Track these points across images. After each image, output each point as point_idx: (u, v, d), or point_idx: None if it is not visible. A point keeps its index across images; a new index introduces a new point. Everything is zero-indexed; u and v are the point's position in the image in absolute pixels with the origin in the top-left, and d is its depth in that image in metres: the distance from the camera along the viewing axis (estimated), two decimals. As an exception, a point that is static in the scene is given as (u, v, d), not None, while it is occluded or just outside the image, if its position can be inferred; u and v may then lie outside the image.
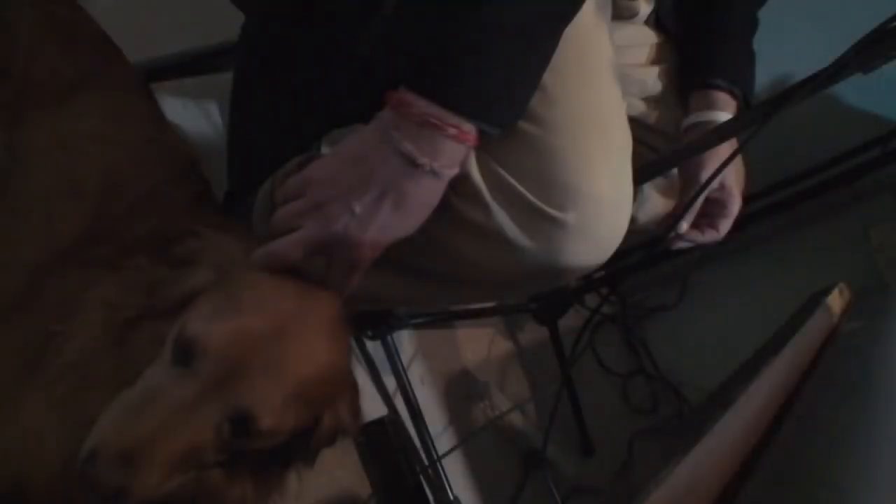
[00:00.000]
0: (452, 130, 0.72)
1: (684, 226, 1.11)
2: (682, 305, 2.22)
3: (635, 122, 1.19)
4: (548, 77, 0.79)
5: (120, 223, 0.83)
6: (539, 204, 0.79)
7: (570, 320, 1.84)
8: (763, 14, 1.36)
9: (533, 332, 1.92)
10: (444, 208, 0.82)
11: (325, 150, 0.94)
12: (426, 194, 0.76)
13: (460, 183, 0.81)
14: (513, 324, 1.91)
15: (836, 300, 1.09)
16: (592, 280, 1.82)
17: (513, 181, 0.80)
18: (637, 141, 1.19)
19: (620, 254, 1.75)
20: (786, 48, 1.76)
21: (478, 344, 1.78)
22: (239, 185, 1.01)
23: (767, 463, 0.64)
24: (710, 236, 1.15)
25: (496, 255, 0.83)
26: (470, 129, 0.74)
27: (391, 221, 0.75)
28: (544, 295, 1.68)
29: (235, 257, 0.74)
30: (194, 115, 1.45)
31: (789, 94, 0.97)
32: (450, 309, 1.64)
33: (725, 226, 1.15)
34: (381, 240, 0.76)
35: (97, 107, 0.90)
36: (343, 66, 0.85)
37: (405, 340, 1.58)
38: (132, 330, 0.71)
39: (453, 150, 0.74)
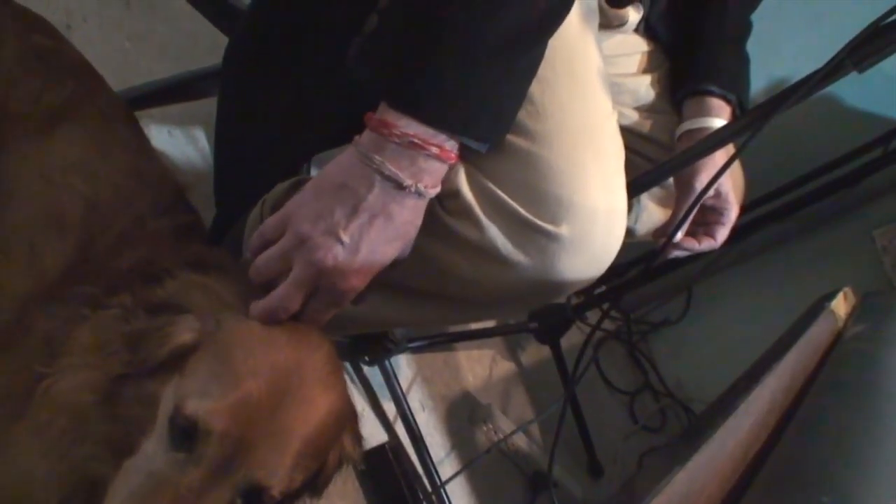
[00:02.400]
0: (434, 149, 0.72)
1: (679, 235, 1.12)
2: (687, 319, 2.23)
3: (629, 132, 1.20)
4: (535, 89, 0.80)
5: (106, 256, 0.82)
6: (532, 218, 0.80)
7: (574, 338, 1.85)
8: (758, 17, 1.37)
9: (535, 352, 1.92)
10: (435, 227, 0.82)
11: (314, 172, 0.94)
12: (412, 215, 0.76)
13: (451, 200, 0.82)
14: (514, 344, 1.91)
15: (840, 304, 1.09)
16: (593, 296, 1.83)
17: (504, 196, 0.80)
18: (631, 151, 1.20)
19: (620, 268, 1.77)
20: (782, 51, 1.77)
21: (479, 366, 1.78)
22: (227, 211, 1.01)
23: (769, 469, 0.64)
24: (706, 245, 1.15)
25: (491, 272, 0.83)
26: (452, 146, 0.74)
27: (379, 246, 0.75)
28: (545, 313, 1.68)
29: (220, 303, 0.74)
30: (181, 141, 1.46)
31: (784, 98, 0.98)
32: (448, 331, 1.64)
33: (722, 234, 1.15)
34: (369, 268, 0.76)
35: (80, 137, 0.90)
36: (327, 86, 0.86)
37: (404, 365, 1.58)
38: (121, 385, 0.70)
39: (436, 169, 0.75)
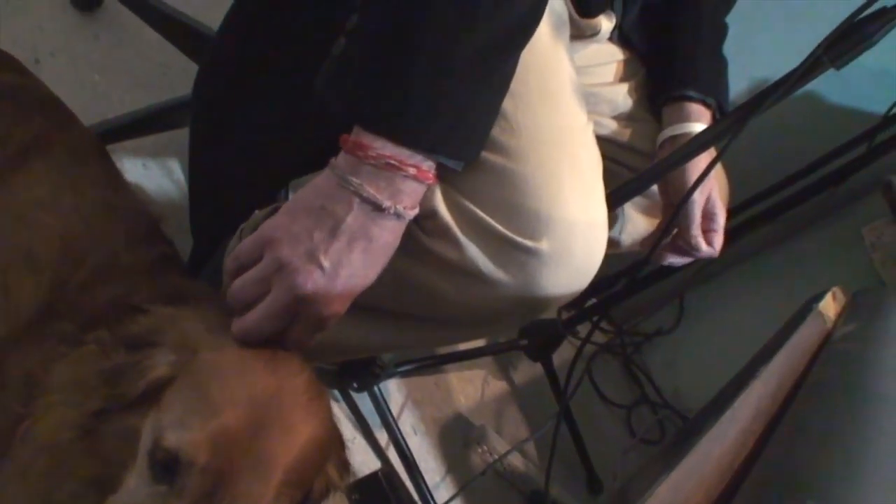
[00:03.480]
0: (412, 170, 0.73)
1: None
2: (681, 327, 2.23)
3: (608, 142, 1.21)
4: (508, 104, 0.80)
5: (81, 293, 0.83)
6: (510, 235, 0.80)
7: (566, 353, 1.85)
8: (735, 18, 1.39)
9: (527, 370, 1.92)
10: (414, 248, 0.83)
11: (298, 191, 0.94)
12: (391, 237, 0.76)
13: (428, 220, 0.82)
14: (506, 362, 1.91)
15: (829, 305, 1.09)
16: (583, 309, 1.83)
17: (482, 214, 0.81)
18: (612, 160, 1.21)
19: (610, 280, 1.77)
20: (760, 51, 1.79)
21: (470, 386, 1.78)
22: (204, 242, 1.02)
23: (756, 475, 0.64)
24: (707, 252, 1.16)
25: (473, 292, 0.84)
26: (430, 166, 0.74)
27: (360, 270, 0.75)
28: (535, 330, 1.69)
29: (194, 335, 0.73)
30: (155, 173, 1.47)
31: (762, 98, 0.99)
32: (437, 353, 1.64)
33: (718, 240, 1.16)
34: (350, 292, 0.76)
35: (51, 173, 0.90)
36: (300, 111, 0.86)
37: (393, 390, 1.58)
38: (100, 422, 0.70)
39: (414, 190, 0.75)
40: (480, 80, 0.74)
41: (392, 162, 0.72)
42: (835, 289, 1.17)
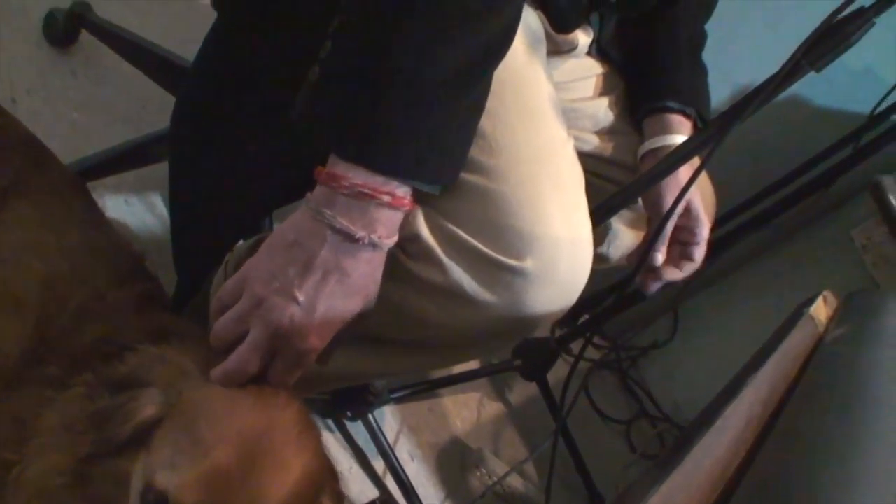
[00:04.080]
0: (386, 197, 0.73)
1: (659, 257, 1.13)
2: (677, 340, 2.24)
3: (591, 157, 1.22)
4: (486, 123, 0.81)
5: (66, 334, 0.83)
6: (495, 255, 0.80)
7: (561, 372, 1.84)
8: (716, 24, 1.40)
9: (523, 390, 1.92)
10: (399, 273, 0.83)
11: (277, 227, 0.95)
12: (368, 268, 0.76)
13: (412, 244, 0.83)
14: (501, 384, 1.91)
15: (821, 309, 1.10)
16: (576, 326, 1.84)
17: (465, 235, 0.81)
18: (596, 175, 1.22)
19: (602, 295, 1.78)
20: (742, 57, 1.81)
21: (466, 410, 1.78)
22: (189, 276, 1.02)
23: (748, 484, 0.64)
24: (689, 269, 1.16)
25: (460, 314, 0.84)
26: (405, 192, 0.75)
27: (337, 303, 0.75)
28: (528, 350, 1.69)
29: (182, 374, 0.74)
30: (138, 209, 1.47)
31: (743, 106, 0.99)
32: (431, 377, 1.64)
33: (700, 253, 1.16)
34: (328, 325, 0.76)
35: (32, 214, 0.91)
36: (279, 139, 0.87)
37: (388, 416, 1.58)
38: (90, 466, 0.70)
39: (389, 218, 0.75)
40: (453, 103, 0.75)
41: (365, 190, 0.72)
42: (826, 292, 1.17)
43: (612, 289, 1.70)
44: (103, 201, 1.40)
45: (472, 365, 1.73)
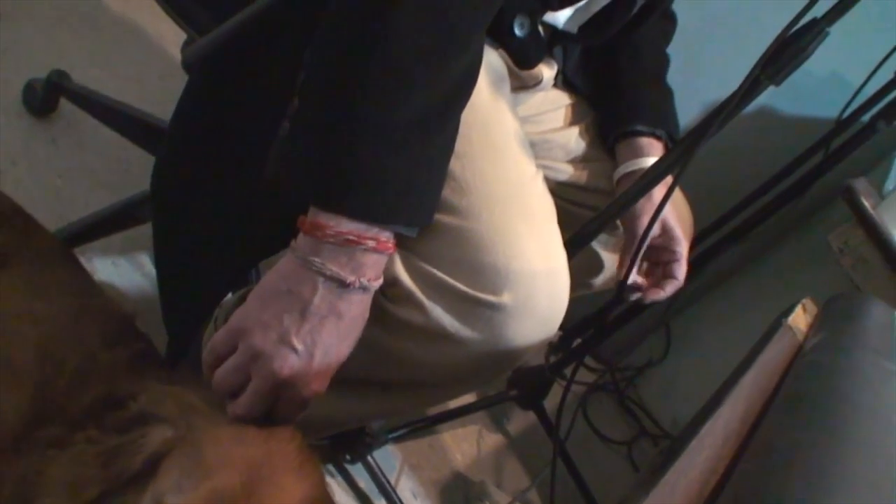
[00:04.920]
0: (371, 242, 0.75)
1: (635, 277, 1.15)
2: (671, 357, 2.25)
3: (568, 186, 1.24)
4: (455, 165, 0.83)
5: (64, 397, 0.85)
6: (472, 292, 0.82)
7: (559, 398, 1.86)
8: (682, 45, 1.43)
9: (521, 419, 1.93)
10: (381, 317, 0.85)
11: (264, 277, 0.97)
12: (360, 309, 0.78)
13: (392, 288, 0.85)
14: (498, 414, 1.92)
15: (800, 317, 1.10)
16: (569, 352, 1.85)
17: (442, 275, 0.83)
18: (573, 203, 1.24)
19: (592, 319, 1.79)
20: (710, 75, 1.84)
21: (465, 443, 1.78)
22: (179, 333, 1.03)
23: (726, 497, 0.65)
24: (671, 287, 1.18)
25: (443, 352, 0.86)
26: (388, 236, 0.77)
27: (334, 347, 0.78)
28: (523, 379, 1.70)
29: (189, 407, 0.76)
30: (126, 270, 1.49)
31: (708, 124, 1.00)
32: (428, 414, 1.65)
33: (680, 270, 1.18)
34: (326, 369, 0.79)
35: (21, 283, 0.93)
36: (257, 195, 0.88)
37: (388, 456, 1.58)
38: None
39: (376, 261, 0.77)
40: (424, 146, 0.77)
41: (351, 238, 0.74)
42: (805, 300, 1.18)
43: (601, 313, 1.71)
44: (92, 265, 1.42)
45: (469, 398, 1.74)
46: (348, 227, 0.74)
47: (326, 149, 0.74)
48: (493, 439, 1.86)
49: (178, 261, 0.99)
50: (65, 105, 1.66)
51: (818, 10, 0.93)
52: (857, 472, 0.65)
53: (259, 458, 0.70)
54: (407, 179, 0.76)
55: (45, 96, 1.62)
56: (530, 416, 1.81)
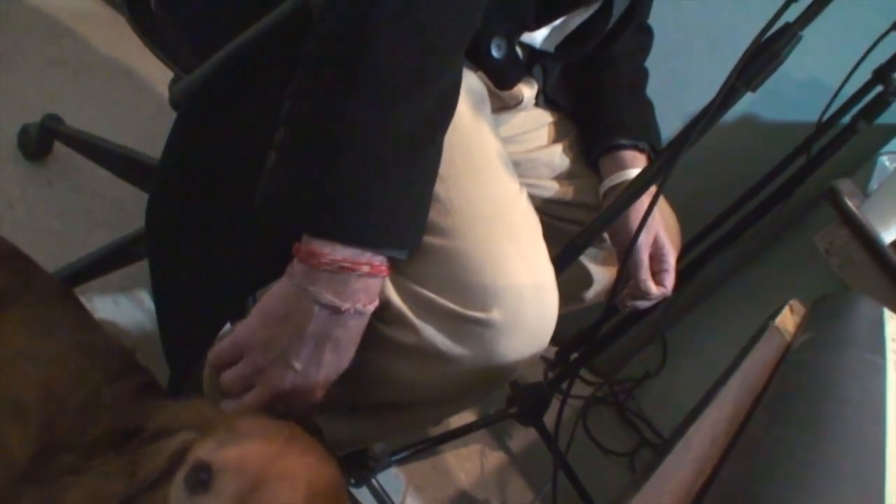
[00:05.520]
0: (365, 268, 0.77)
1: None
2: (668, 366, 2.25)
3: (554, 202, 1.26)
4: (439, 186, 0.85)
5: (70, 433, 0.86)
6: (462, 310, 0.84)
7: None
8: (662, 57, 1.45)
9: (523, 435, 1.93)
10: (375, 339, 0.86)
11: (266, 294, 0.99)
12: (356, 331, 0.81)
13: (384, 310, 0.86)
14: (500, 432, 1.93)
15: (787, 319, 1.10)
16: (567, 366, 1.86)
17: (431, 295, 0.84)
18: (562, 220, 1.26)
19: (586, 334, 1.80)
20: (692, 85, 1.87)
21: (468, 462, 1.79)
22: (180, 366, 1.05)
23: (713, 496, 0.65)
24: (659, 293, 1.20)
25: (437, 371, 0.87)
26: (381, 260, 0.79)
27: (331, 364, 0.81)
28: (522, 395, 1.71)
29: (209, 415, 0.79)
30: (126, 307, 1.50)
31: (687, 134, 1.03)
32: (430, 435, 1.66)
33: (670, 280, 1.20)
34: (325, 382, 0.82)
35: (23, 324, 0.94)
36: (250, 226, 0.90)
37: (392, 479, 1.59)
38: None
39: (370, 286, 0.79)
40: (410, 169, 0.79)
41: (345, 264, 0.76)
42: (792, 301, 1.19)
43: (594, 326, 1.72)
44: (92, 304, 1.44)
45: (470, 417, 1.75)
46: (342, 253, 0.76)
47: (314, 177, 0.76)
48: (495, 457, 1.87)
49: (175, 294, 1.01)
50: (59, 148, 1.68)
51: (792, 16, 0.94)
52: (843, 467, 0.65)
53: (287, 434, 0.74)
54: (395, 203, 0.78)
55: (40, 140, 1.65)
56: (531, 433, 1.82)
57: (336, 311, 0.78)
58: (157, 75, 2.13)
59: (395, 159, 0.77)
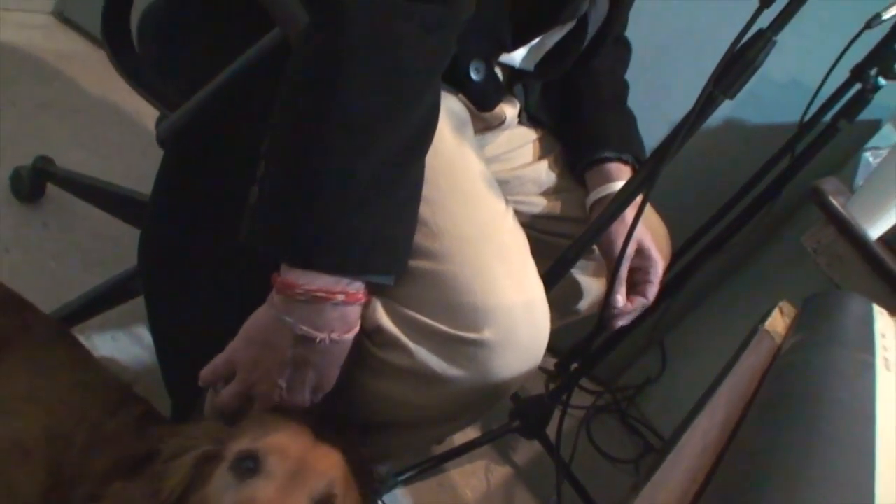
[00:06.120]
0: (340, 296, 0.79)
1: (619, 300, 1.17)
2: (668, 372, 2.26)
3: (543, 218, 1.27)
4: (426, 211, 0.86)
5: (78, 467, 0.88)
6: (454, 332, 0.85)
7: (564, 424, 1.86)
8: (645, 67, 1.45)
9: (527, 449, 1.93)
10: (370, 363, 0.88)
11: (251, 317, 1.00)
12: (335, 356, 0.83)
13: (377, 336, 0.87)
14: (504, 447, 1.92)
15: (777, 321, 1.10)
16: (567, 377, 1.86)
17: (423, 318, 0.85)
18: (551, 234, 1.27)
19: (584, 344, 1.79)
20: (675, 94, 1.87)
21: (474, 479, 1.79)
22: (182, 397, 1.06)
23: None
24: (639, 304, 1.20)
25: (433, 392, 0.88)
26: (358, 287, 0.80)
27: (317, 380, 0.84)
28: (524, 409, 1.71)
29: (225, 429, 0.83)
30: (125, 344, 1.51)
31: (669, 143, 1.03)
32: (434, 453, 1.66)
33: (652, 291, 1.21)
34: (318, 389, 0.86)
35: (23, 366, 0.96)
36: (235, 257, 0.90)
37: (399, 499, 1.60)
38: None
39: (347, 314, 0.81)
40: (388, 196, 0.80)
41: (320, 294, 0.78)
42: (782, 303, 1.19)
43: (590, 338, 1.73)
44: (91, 342, 1.44)
45: (473, 433, 1.75)
46: (318, 283, 0.78)
47: (291, 209, 0.77)
48: (501, 472, 1.87)
49: (172, 328, 1.02)
50: (52, 189, 1.70)
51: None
52: (833, 467, 0.66)
53: (312, 423, 0.81)
54: (374, 230, 0.79)
55: (33, 182, 1.66)
56: (536, 446, 1.82)
57: (311, 341, 0.80)
58: (147, 112, 2.14)
59: (372, 189, 0.78)
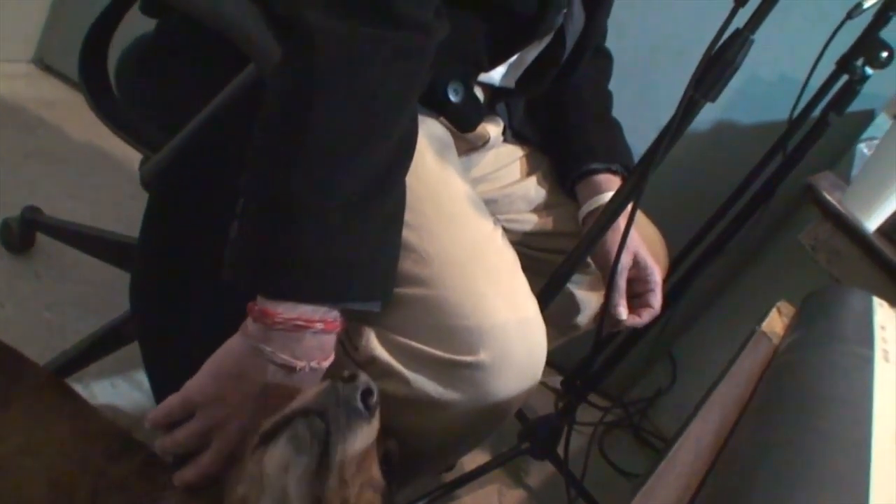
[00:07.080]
0: (319, 325, 0.79)
1: (622, 312, 1.18)
2: (679, 383, 2.25)
3: (536, 234, 1.28)
4: (412, 237, 0.87)
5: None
6: (449, 356, 0.86)
7: (575, 443, 1.86)
8: (632, 76, 1.47)
9: (539, 470, 1.94)
10: None
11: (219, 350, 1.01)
12: (310, 384, 0.81)
13: (371, 366, 0.88)
14: (515, 469, 1.93)
15: (774, 322, 1.11)
16: (575, 394, 1.87)
17: (417, 345, 0.87)
18: (545, 251, 1.28)
19: (589, 360, 1.80)
20: (663, 101, 1.88)
21: (487, 503, 1.80)
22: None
23: None
24: (647, 315, 1.21)
25: (433, 418, 0.89)
26: (335, 316, 0.81)
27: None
28: (533, 430, 1.71)
29: None
30: (124, 389, 1.52)
31: (655, 149, 1.05)
32: (444, 481, 1.66)
33: (657, 299, 1.21)
34: None
35: (20, 422, 0.97)
36: (225, 295, 0.92)
37: (412, 528, 1.60)
38: None
39: (325, 342, 0.82)
40: (364, 223, 0.81)
41: (299, 323, 0.78)
42: (779, 303, 1.20)
43: (592, 353, 1.74)
44: (90, 390, 1.46)
45: (483, 458, 1.75)
46: (296, 312, 0.78)
47: (269, 242, 0.78)
48: (513, 495, 1.87)
49: (167, 370, 1.03)
50: (42, 239, 1.72)
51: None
52: (828, 464, 0.66)
53: None
54: (351, 258, 0.80)
55: (22, 233, 1.68)
56: (547, 466, 1.82)
57: (290, 370, 0.80)
58: (133, 155, 2.14)
59: (348, 216, 0.79)
